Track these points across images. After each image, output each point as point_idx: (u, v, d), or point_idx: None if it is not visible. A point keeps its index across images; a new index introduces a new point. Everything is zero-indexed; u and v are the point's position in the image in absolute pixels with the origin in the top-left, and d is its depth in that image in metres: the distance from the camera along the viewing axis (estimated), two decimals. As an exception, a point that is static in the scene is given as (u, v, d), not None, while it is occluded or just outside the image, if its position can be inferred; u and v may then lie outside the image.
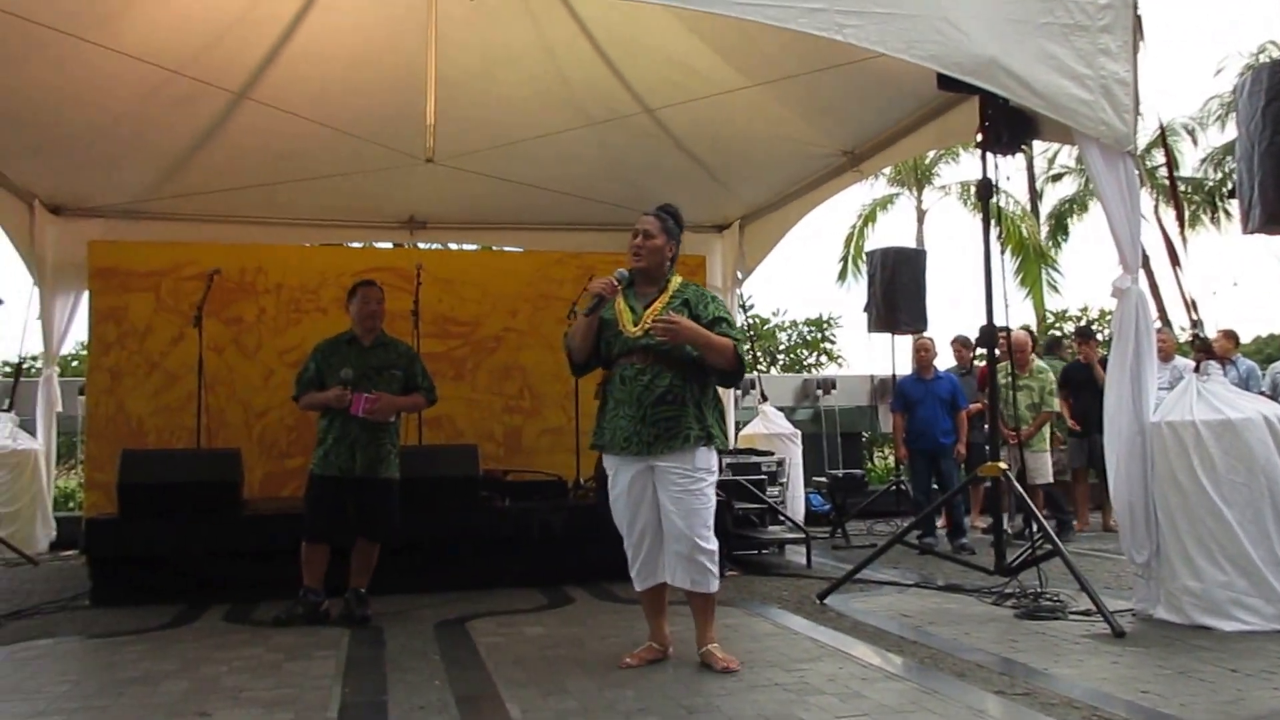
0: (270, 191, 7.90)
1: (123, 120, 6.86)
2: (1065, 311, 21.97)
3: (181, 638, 4.89)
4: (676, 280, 4.14)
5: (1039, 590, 5.29)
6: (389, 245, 9.64)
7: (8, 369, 12.57)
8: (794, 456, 9.19)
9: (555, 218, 9.01)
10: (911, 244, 20.52)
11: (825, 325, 21.79)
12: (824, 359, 21.77)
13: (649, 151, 7.75)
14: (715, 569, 4.00)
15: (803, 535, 7.29)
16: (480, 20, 6.18)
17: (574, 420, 7.63)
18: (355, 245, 9.56)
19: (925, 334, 8.72)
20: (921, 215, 23.97)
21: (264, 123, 7.07)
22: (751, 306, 20.66)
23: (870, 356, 41.92)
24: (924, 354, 8.32)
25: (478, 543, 6.22)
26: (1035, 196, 24.20)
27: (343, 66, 6.71)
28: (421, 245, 9.53)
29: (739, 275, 9.15)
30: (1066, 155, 23.23)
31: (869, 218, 23.34)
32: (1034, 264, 21.61)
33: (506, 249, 10.22)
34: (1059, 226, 23.51)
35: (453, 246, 11.62)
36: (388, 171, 7.48)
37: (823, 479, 9.48)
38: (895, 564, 6.78)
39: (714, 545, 4.00)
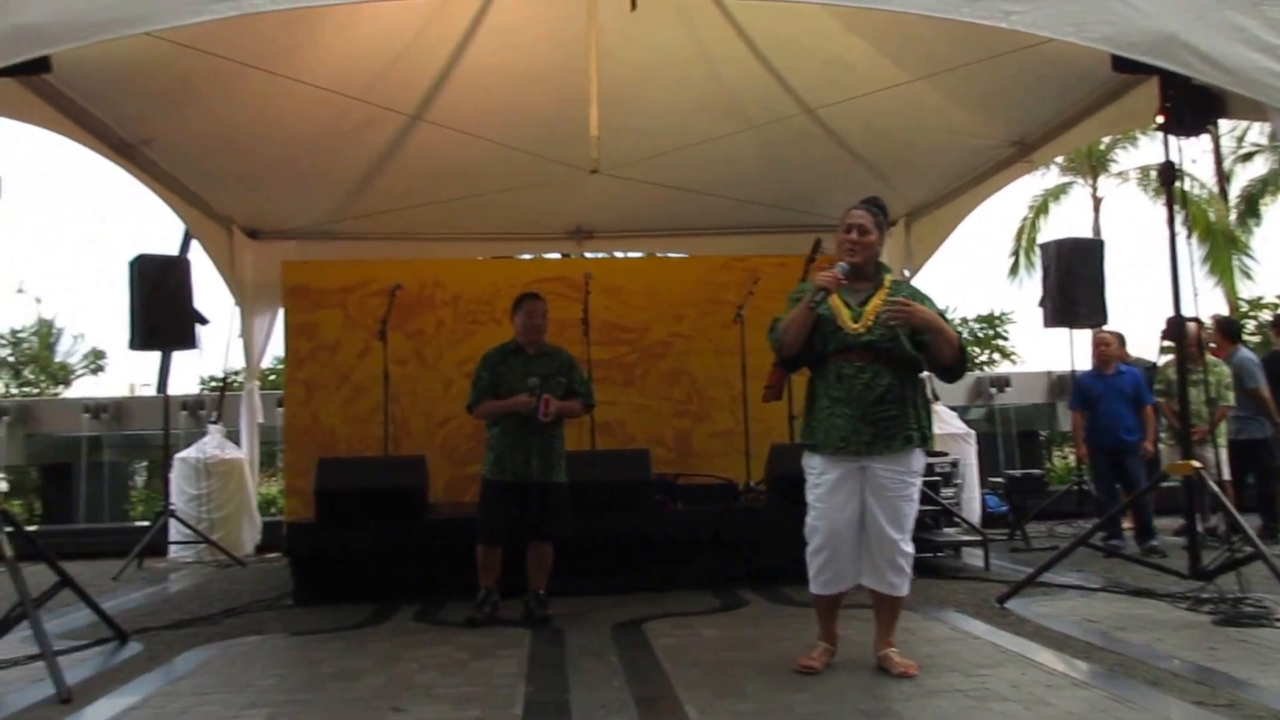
0: (444, 208, 8.24)
1: (310, 147, 7.30)
2: (1260, 299, 20.45)
3: (375, 636, 5.17)
4: (889, 276, 4.09)
5: (1239, 595, 4.98)
6: (557, 255, 9.90)
7: (215, 384, 13.50)
8: (968, 457, 8.95)
9: (718, 222, 9.05)
10: (1087, 234, 19.60)
11: (997, 321, 21.03)
12: (996, 356, 20.99)
13: (810, 152, 7.70)
14: (910, 573, 3.97)
15: (980, 537, 7.08)
16: (638, 31, 6.28)
17: (743, 423, 7.65)
18: (525, 257, 9.86)
19: (1105, 327, 8.34)
20: (1097, 204, 22.87)
21: (437, 143, 7.40)
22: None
23: (1046, 353, 40.21)
24: (1104, 348, 7.96)
25: (651, 546, 6.32)
26: (1223, 178, 22.69)
27: (508, 84, 6.96)
28: (588, 254, 9.74)
29: (906, 274, 8.97)
30: (1257, 132, 21.65)
31: (1040, 209, 22.42)
32: (1223, 250, 20.25)
33: (671, 255, 10.32)
34: (1250, 209, 21.97)
35: (618, 254, 11.84)
36: (554, 184, 7.69)
37: (999, 479, 9.19)
38: (1079, 567, 6.50)
39: (912, 549, 3.97)
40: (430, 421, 8.11)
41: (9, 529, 4.45)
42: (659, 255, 10.87)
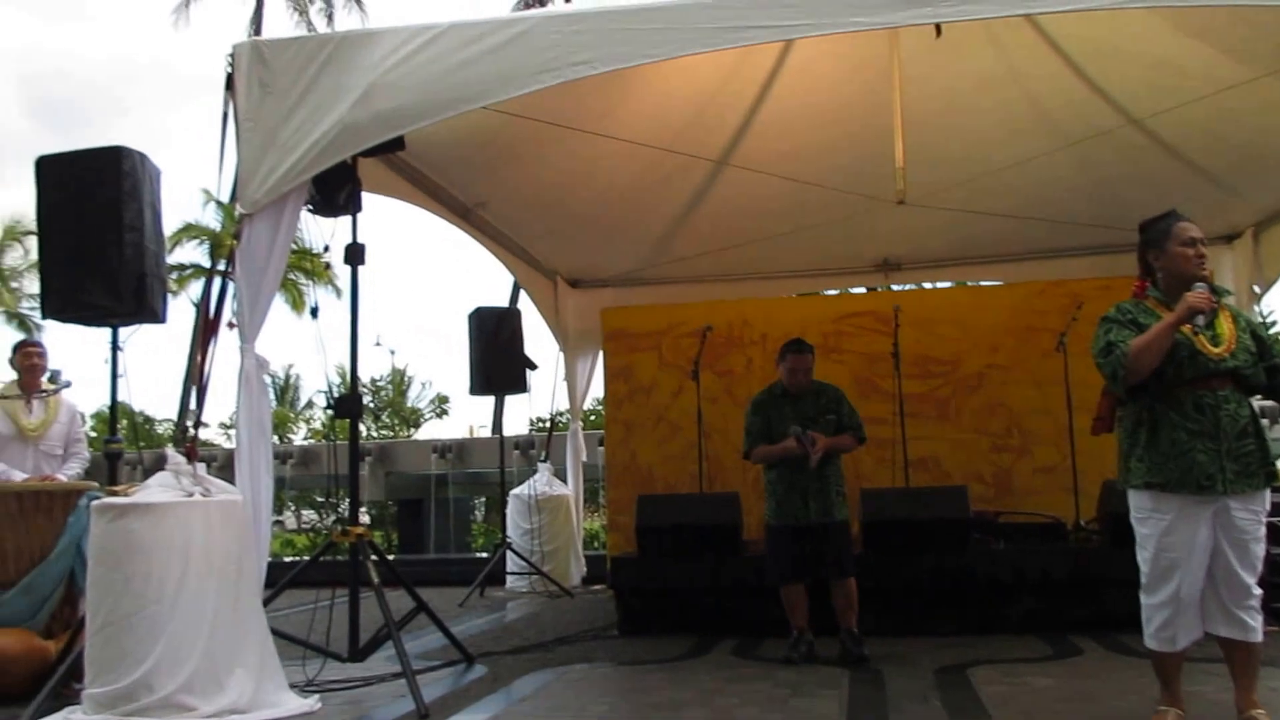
0: (751, 248, 8.41)
1: (623, 198, 7.71)
2: None
3: (696, 669, 5.30)
4: (1224, 294, 3.76)
5: None
6: (863, 290, 9.80)
7: (542, 425, 14.44)
8: (1344, 492, 7.86)
9: (1034, 246, 8.60)
10: None
11: (1376, 337, 18.43)
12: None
13: (1136, 165, 7.16)
14: (1263, 616, 3.59)
15: (1365, 586, 6.20)
16: (943, 57, 6.14)
17: (1069, 458, 7.18)
18: (831, 292, 9.83)
19: None
20: None
21: (741, 185, 7.56)
22: (1274, 324, 18.00)
23: None
24: None
25: (972, 586, 6.07)
26: None
27: (811, 121, 7.02)
28: (895, 287, 9.56)
29: (1255, 290, 8.10)
30: None
31: None
32: None
33: (984, 283, 9.93)
34: None
35: (926, 285, 11.54)
36: (859, 217, 7.63)
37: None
38: None
39: (1260, 591, 3.61)
40: (742, 459, 8.23)
41: (374, 558, 5.00)
42: (970, 284, 10.48)
